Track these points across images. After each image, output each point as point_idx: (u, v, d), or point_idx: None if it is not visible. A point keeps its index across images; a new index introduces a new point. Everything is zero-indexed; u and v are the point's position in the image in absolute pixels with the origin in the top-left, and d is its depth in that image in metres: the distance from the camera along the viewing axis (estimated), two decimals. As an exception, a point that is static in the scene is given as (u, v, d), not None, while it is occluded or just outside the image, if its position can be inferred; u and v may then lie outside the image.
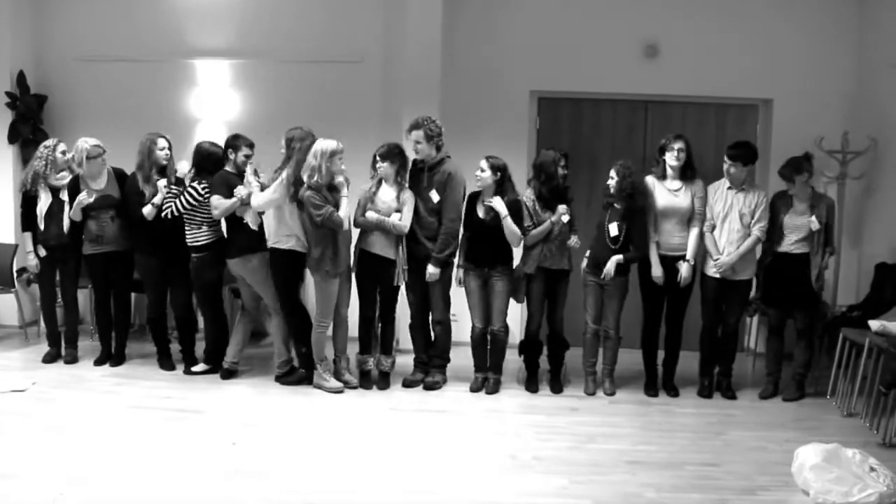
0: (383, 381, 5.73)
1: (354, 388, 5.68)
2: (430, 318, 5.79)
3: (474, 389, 5.71)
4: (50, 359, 6.08)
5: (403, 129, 6.23)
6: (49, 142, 5.99)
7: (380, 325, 5.75)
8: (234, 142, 5.63)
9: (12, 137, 6.93)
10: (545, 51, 6.83)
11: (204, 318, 5.99)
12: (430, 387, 5.72)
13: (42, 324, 6.36)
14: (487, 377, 5.74)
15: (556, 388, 5.75)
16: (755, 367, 6.49)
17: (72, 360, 6.07)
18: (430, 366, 5.81)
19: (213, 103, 7.06)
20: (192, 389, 5.56)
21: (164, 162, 5.77)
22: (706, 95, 6.85)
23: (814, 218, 5.49)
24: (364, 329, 5.72)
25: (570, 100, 7.00)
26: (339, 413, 5.21)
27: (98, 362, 6.02)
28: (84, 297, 6.57)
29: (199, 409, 5.16)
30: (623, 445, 4.71)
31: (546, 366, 5.84)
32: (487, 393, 5.67)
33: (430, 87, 6.48)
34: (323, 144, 5.29)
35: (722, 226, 5.55)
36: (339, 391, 5.56)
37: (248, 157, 5.60)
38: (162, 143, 5.76)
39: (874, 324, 5.20)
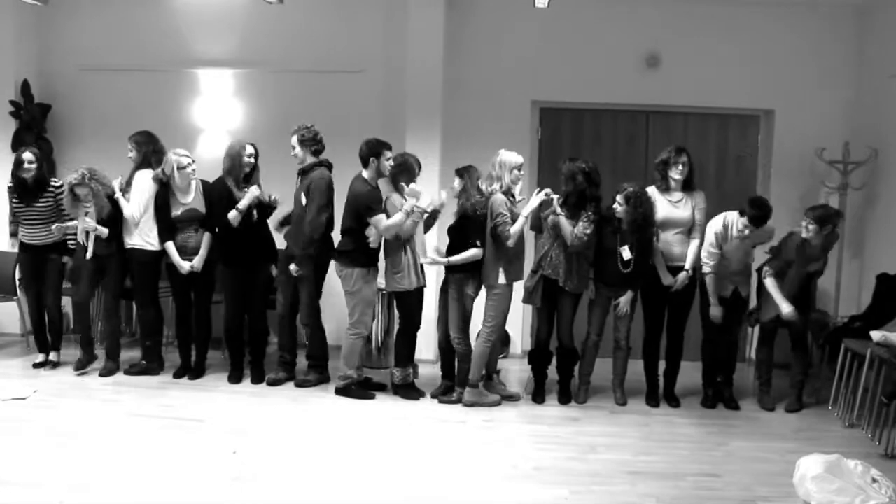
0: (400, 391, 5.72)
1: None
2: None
3: (433, 395, 5.70)
4: (81, 366, 6.04)
5: (405, 139, 6.30)
6: (74, 178, 5.73)
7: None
8: (379, 148, 5.51)
9: (16, 146, 6.95)
10: (547, 61, 6.86)
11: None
12: (300, 384, 5.86)
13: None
14: (452, 385, 5.71)
15: (564, 399, 5.73)
16: (755, 376, 6.47)
17: (108, 372, 6.01)
18: (309, 367, 5.95)
19: (216, 112, 7.09)
20: (193, 398, 5.56)
21: (248, 169, 5.75)
22: (708, 106, 6.87)
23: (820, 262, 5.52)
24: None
25: (571, 110, 7.02)
26: (340, 421, 5.21)
27: (176, 375, 5.98)
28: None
29: (200, 417, 5.15)
30: (624, 456, 4.70)
31: (554, 376, 5.81)
32: (440, 402, 5.61)
33: (432, 97, 6.52)
34: (507, 156, 5.40)
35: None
36: (498, 403, 5.57)
37: (388, 159, 5.54)
38: (249, 149, 5.76)
39: (876, 335, 5.18)
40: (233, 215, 5.60)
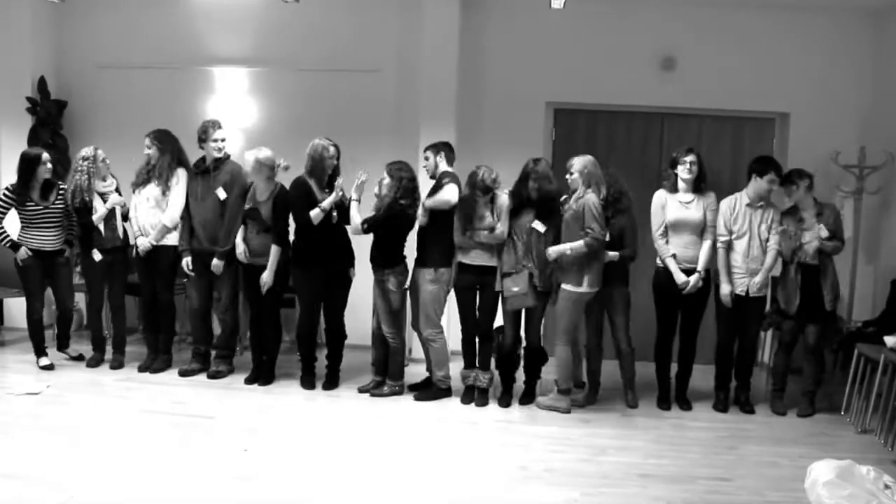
0: (481, 398, 5.59)
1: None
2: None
3: (362, 390, 5.73)
4: (94, 363, 6.09)
5: (419, 139, 6.30)
6: (86, 152, 5.84)
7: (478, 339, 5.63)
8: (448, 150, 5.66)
9: (32, 142, 6.99)
10: (562, 62, 6.85)
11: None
12: (213, 376, 5.91)
13: (53, 328, 6.33)
14: (383, 380, 5.74)
15: (526, 399, 5.65)
16: (770, 381, 6.44)
17: (118, 365, 6.08)
18: (217, 357, 6.04)
19: (231, 111, 7.11)
20: (205, 394, 5.59)
21: (331, 170, 5.61)
22: (723, 109, 6.85)
23: (822, 225, 5.47)
24: (468, 345, 5.63)
25: (586, 111, 7.01)
26: (351, 420, 5.22)
27: (248, 381, 5.86)
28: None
29: (211, 414, 5.18)
30: (635, 458, 4.69)
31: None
32: (371, 396, 5.68)
33: (446, 97, 6.53)
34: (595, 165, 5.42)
35: (742, 242, 5.52)
36: (568, 411, 5.50)
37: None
38: (332, 150, 5.61)
39: (889, 340, 5.16)
40: (315, 213, 5.45)
